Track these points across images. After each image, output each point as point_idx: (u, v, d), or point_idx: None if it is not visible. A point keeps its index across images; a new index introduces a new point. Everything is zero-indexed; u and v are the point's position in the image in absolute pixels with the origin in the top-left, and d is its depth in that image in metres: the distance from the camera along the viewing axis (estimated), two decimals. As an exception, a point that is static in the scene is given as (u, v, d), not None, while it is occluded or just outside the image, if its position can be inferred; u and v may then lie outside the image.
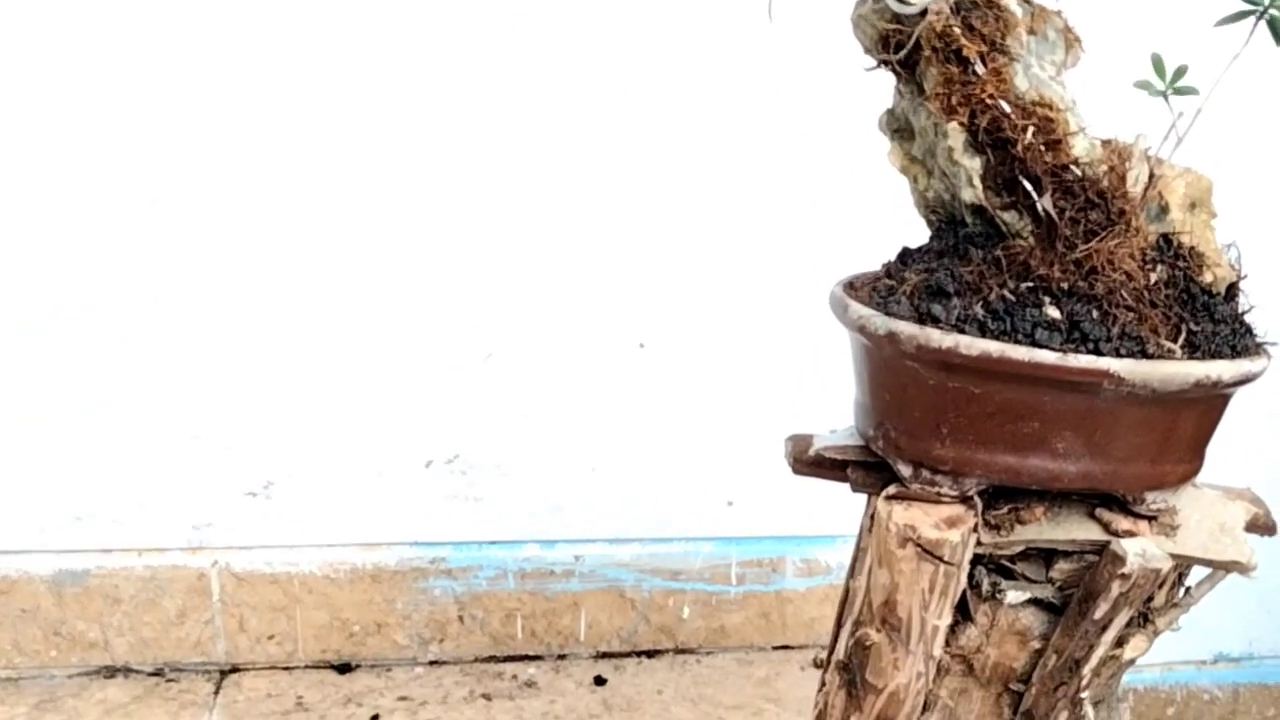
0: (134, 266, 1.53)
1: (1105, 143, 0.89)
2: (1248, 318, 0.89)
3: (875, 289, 0.90)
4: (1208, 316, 0.85)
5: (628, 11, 1.55)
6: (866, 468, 0.93)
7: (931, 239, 0.95)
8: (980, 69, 0.84)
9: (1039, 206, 0.83)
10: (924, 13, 0.84)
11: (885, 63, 0.90)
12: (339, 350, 1.60)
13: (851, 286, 0.92)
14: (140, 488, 1.60)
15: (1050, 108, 0.85)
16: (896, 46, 0.87)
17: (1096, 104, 0.91)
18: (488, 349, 1.63)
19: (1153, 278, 0.85)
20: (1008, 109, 0.84)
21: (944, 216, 0.93)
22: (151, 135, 1.50)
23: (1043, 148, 0.84)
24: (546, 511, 1.69)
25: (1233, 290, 0.90)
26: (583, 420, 1.67)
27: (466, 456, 1.65)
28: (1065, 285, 0.82)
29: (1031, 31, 0.89)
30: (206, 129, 1.51)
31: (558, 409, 1.66)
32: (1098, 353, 0.80)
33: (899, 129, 0.93)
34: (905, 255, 0.94)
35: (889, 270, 0.94)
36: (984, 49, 0.84)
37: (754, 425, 1.65)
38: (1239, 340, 0.86)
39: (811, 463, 0.95)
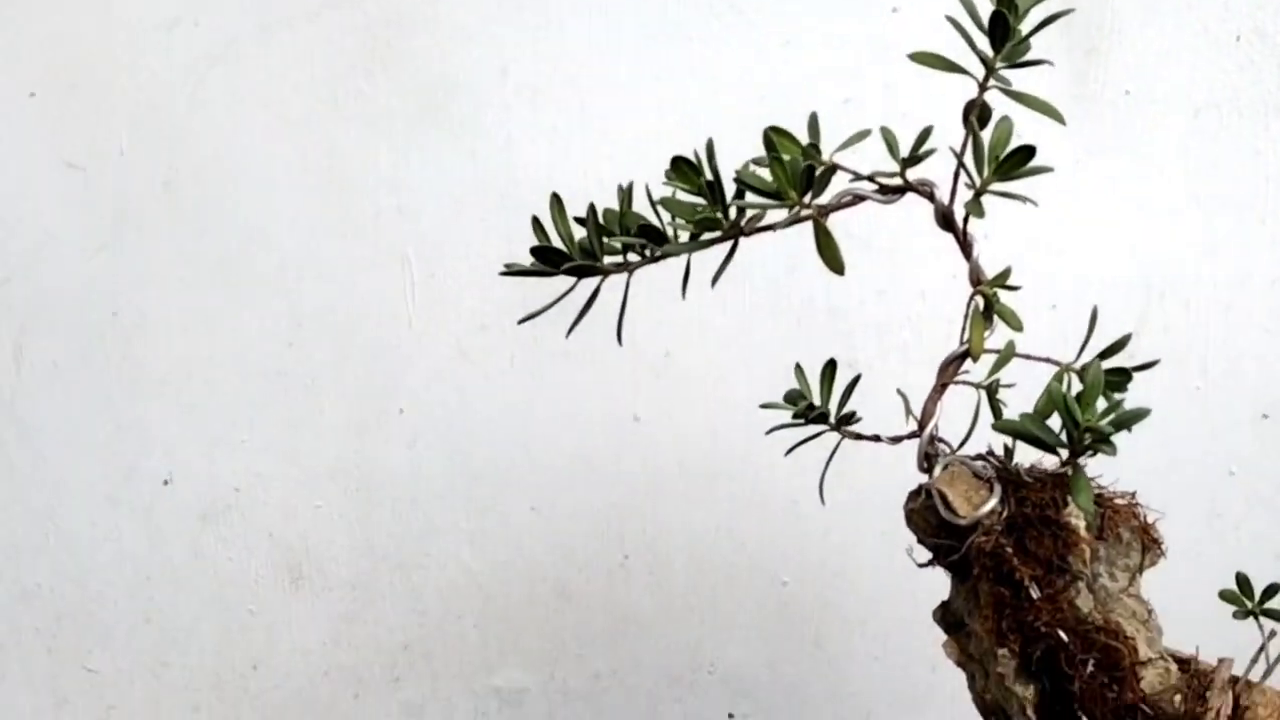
0: None
1: (1184, 664, 0.81)
2: None
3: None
4: None
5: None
6: None
7: (993, 744, 0.87)
8: (1035, 593, 0.77)
9: (1099, 757, 0.75)
10: (975, 526, 0.79)
11: (937, 563, 0.84)
12: None
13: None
14: None
15: (1117, 635, 0.78)
16: (948, 550, 0.82)
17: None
18: None
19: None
20: (1066, 638, 0.77)
21: (1005, 722, 0.85)
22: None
23: (1105, 683, 0.76)
24: None
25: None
26: None
27: None
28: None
29: (1101, 537, 0.83)
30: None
31: None
32: None
33: (954, 624, 0.87)
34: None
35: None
36: (1039, 572, 0.78)
37: None
38: None
39: None
